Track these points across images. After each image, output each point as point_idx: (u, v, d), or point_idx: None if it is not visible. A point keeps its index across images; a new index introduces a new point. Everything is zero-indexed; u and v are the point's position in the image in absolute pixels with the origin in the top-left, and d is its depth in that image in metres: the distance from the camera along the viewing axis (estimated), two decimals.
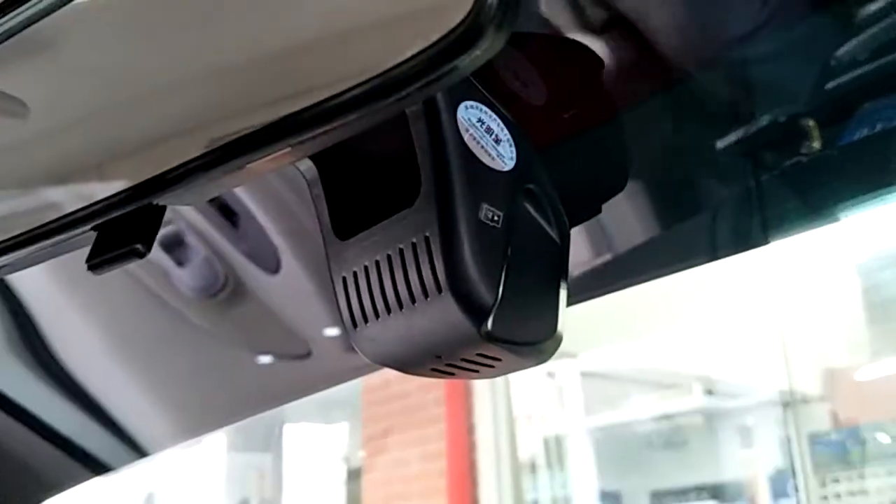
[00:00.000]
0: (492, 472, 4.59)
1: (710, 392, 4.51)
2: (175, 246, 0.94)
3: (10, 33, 0.44)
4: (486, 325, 0.48)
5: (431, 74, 0.33)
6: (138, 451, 1.18)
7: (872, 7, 0.67)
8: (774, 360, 4.09)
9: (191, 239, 0.94)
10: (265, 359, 1.08)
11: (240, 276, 0.97)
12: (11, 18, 0.43)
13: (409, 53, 0.33)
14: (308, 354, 1.02)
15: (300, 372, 1.06)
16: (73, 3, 0.42)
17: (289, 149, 0.37)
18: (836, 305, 4.05)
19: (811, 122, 0.72)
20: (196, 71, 0.41)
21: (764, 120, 0.74)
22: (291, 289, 0.95)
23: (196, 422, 1.17)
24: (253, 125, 0.36)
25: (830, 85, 0.71)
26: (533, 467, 4.72)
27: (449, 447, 4.59)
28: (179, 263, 0.96)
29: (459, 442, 4.60)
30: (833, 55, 0.69)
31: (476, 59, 0.33)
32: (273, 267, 0.93)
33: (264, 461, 5.78)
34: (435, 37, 0.33)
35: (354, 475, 5.27)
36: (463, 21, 0.32)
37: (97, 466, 1.18)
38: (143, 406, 1.16)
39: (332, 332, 0.97)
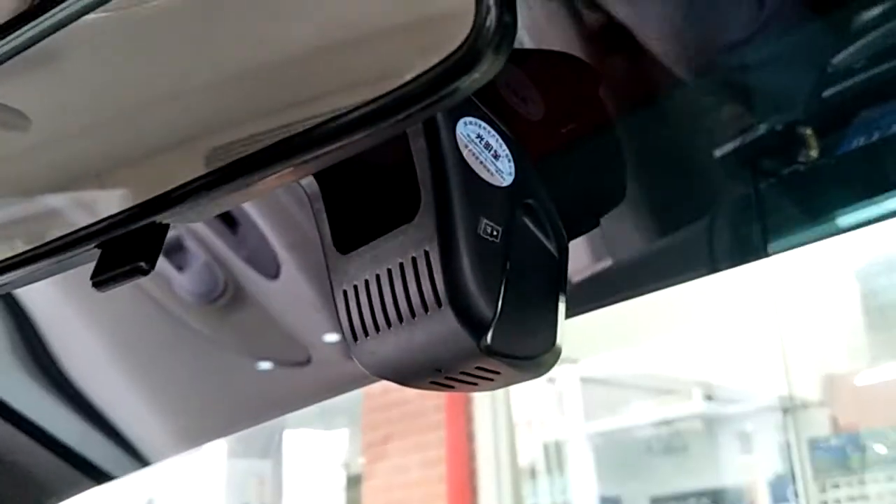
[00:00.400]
0: (492, 478, 4.59)
1: (709, 397, 4.50)
2: (175, 251, 0.95)
3: (16, 51, 0.45)
4: (486, 339, 0.48)
5: (432, 96, 0.34)
6: (140, 460, 1.18)
7: (869, 14, 0.67)
8: (774, 365, 4.09)
9: (190, 244, 0.94)
10: (265, 365, 1.08)
11: (240, 281, 0.97)
12: (17, 37, 0.44)
13: (409, 76, 0.34)
14: (308, 361, 1.02)
15: (301, 381, 1.06)
16: (76, 22, 0.43)
17: (292, 168, 0.37)
18: (835, 311, 4.05)
19: (808, 131, 0.73)
20: (200, 91, 0.41)
21: (761, 128, 0.74)
22: (291, 294, 0.95)
23: (197, 431, 1.18)
24: (256, 145, 0.37)
25: (828, 93, 0.71)
26: (533, 473, 4.72)
27: (449, 453, 4.59)
28: (179, 268, 0.96)
29: (459, 448, 4.60)
30: (830, 62, 0.70)
31: (475, 82, 0.34)
32: (273, 272, 0.94)
33: (264, 467, 5.78)
34: (435, 60, 0.33)
35: (354, 482, 5.26)
36: (462, 45, 0.33)
37: (98, 475, 1.18)
38: (145, 414, 1.16)
39: (332, 338, 0.97)
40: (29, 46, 0.44)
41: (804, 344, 4.06)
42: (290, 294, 0.95)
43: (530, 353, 0.52)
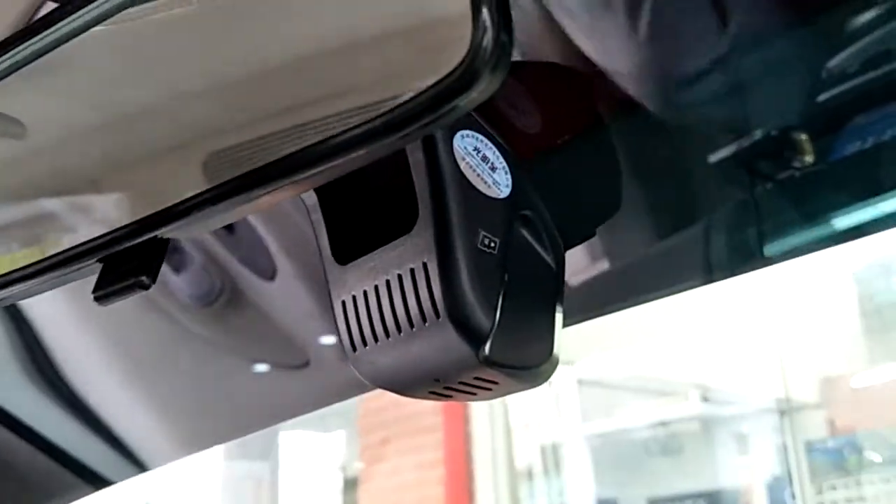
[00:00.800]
0: (489, 480, 4.59)
1: (706, 399, 4.51)
2: (171, 253, 0.95)
3: (17, 66, 0.45)
4: (484, 350, 0.49)
5: (430, 115, 0.35)
6: (138, 465, 1.19)
7: (863, 19, 0.68)
8: (771, 367, 4.10)
9: (186, 246, 0.94)
10: (263, 368, 1.09)
11: (236, 283, 0.97)
12: (21, 50, 0.45)
13: (408, 95, 0.34)
14: (306, 364, 1.02)
15: (300, 387, 1.06)
16: (78, 38, 0.43)
17: (292, 184, 0.38)
18: (832, 313, 4.06)
19: (803, 136, 0.73)
20: (201, 108, 0.42)
21: (756, 134, 0.75)
22: (288, 296, 0.95)
23: (196, 436, 1.18)
24: (257, 162, 0.38)
25: (822, 97, 0.71)
26: (530, 475, 4.72)
27: (446, 456, 4.59)
28: (176, 270, 0.96)
29: (457, 450, 4.60)
30: (825, 67, 0.70)
31: (473, 101, 0.34)
32: (269, 274, 0.94)
33: (261, 470, 5.77)
34: (433, 79, 0.34)
35: (351, 484, 5.26)
36: (460, 64, 0.34)
37: (97, 480, 1.19)
38: (143, 419, 1.16)
39: (329, 341, 0.97)
40: (30, 61, 0.44)
41: (801, 346, 4.07)
42: (287, 296, 0.95)
43: (528, 363, 0.52)
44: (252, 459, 5.75)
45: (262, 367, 1.09)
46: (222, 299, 0.98)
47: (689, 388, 4.51)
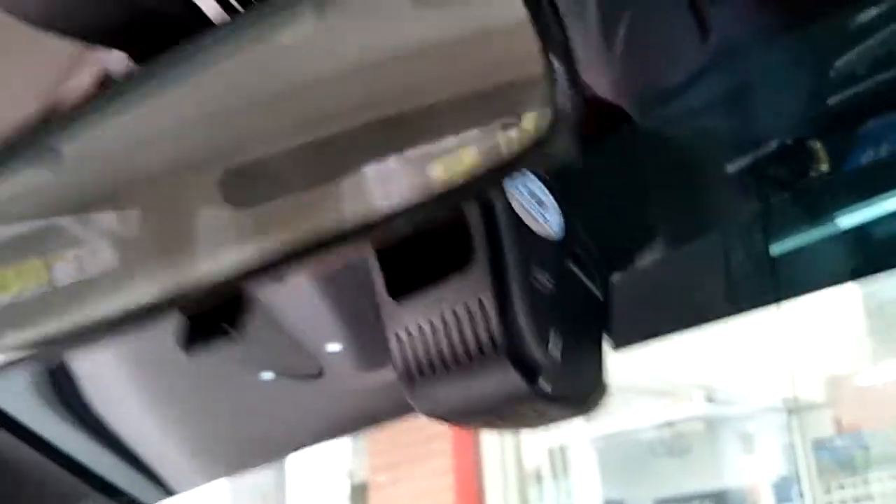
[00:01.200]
0: (498, 484, 4.59)
1: (711, 399, 4.50)
2: None
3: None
4: (539, 384, 0.50)
5: (501, 174, 0.36)
6: (166, 490, 1.20)
7: (869, 16, 0.68)
8: (776, 366, 4.10)
9: None
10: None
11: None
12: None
13: (486, 153, 0.36)
14: (320, 374, 1.03)
15: (329, 410, 1.07)
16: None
17: (368, 241, 0.39)
18: (837, 312, 4.05)
19: (818, 144, 0.73)
20: (282, 180, 0.43)
21: (771, 144, 0.75)
22: (298, 300, 0.96)
23: (221, 462, 1.19)
24: (334, 232, 0.39)
25: (833, 101, 0.72)
26: (538, 477, 4.72)
27: (456, 461, 4.59)
28: None
29: (466, 455, 4.60)
30: (833, 69, 0.70)
31: (542, 161, 0.36)
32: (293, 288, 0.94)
33: (267, 478, 5.75)
34: (504, 140, 0.35)
35: (359, 491, 5.25)
36: (533, 125, 0.35)
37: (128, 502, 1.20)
38: (169, 445, 1.17)
39: (335, 347, 0.97)
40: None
41: (807, 345, 4.07)
42: (297, 298, 0.95)
43: (580, 392, 0.54)
44: (259, 470, 5.72)
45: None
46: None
47: (693, 389, 4.51)
